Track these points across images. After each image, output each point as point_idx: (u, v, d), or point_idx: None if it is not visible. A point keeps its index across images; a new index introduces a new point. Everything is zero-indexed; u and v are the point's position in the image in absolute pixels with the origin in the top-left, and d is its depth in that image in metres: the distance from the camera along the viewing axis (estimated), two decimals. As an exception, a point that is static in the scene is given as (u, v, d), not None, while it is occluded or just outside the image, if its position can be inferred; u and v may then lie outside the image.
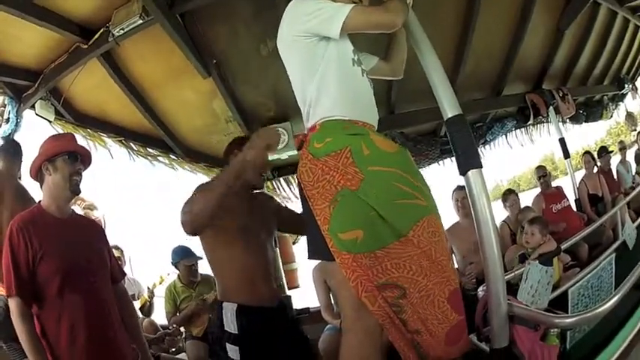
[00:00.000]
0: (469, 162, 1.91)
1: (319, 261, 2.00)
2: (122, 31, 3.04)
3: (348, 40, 1.86)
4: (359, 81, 1.85)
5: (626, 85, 8.50)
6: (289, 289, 4.48)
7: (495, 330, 1.85)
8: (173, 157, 4.71)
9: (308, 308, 4.28)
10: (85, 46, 3.23)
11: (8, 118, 3.73)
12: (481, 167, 1.93)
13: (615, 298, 2.01)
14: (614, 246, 3.85)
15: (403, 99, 4.54)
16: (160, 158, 4.65)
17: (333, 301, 3.27)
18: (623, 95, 9.00)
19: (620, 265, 3.25)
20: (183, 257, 4.11)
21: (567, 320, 2.02)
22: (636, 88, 9.25)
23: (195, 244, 4.07)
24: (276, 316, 2.19)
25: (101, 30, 3.15)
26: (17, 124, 3.75)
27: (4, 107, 3.77)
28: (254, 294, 2.12)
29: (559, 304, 2.68)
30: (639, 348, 2.57)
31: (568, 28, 5.21)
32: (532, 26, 4.71)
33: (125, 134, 4.39)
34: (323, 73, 1.77)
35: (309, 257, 1.84)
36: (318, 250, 1.73)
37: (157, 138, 4.51)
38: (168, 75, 3.77)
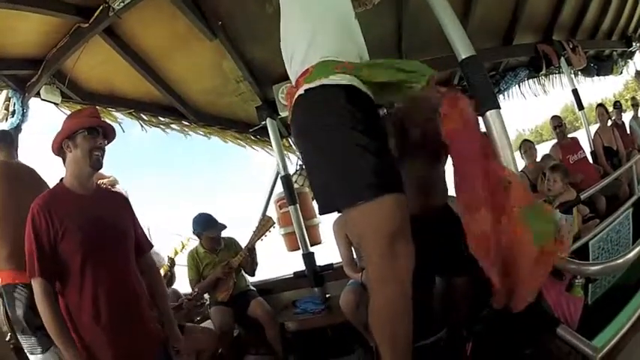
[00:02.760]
0: (487, 103, 1.89)
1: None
2: (122, 4, 2.99)
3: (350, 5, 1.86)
4: (358, 40, 1.85)
5: (633, 44, 8.37)
6: (312, 245, 4.44)
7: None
8: (185, 123, 4.71)
9: (332, 264, 4.30)
10: (86, 25, 3.17)
11: (14, 110, 3.74)
12: (499, 108, 1.91)
13: (635, 251, 1.96)
14: (632, 200, 3.80)
15: (414, 48, 4.45)
16: (172, 126, 4.66)
17: (355, 256, 3.26)
18: (632, 53, 8.82)
19: (636, 220, 3.22)
20: (206, 228, 4.04)
21: (593, 268, 2.02)
22: None
23: (215, 211, 4.13)
24: None
25: (100, 6, 3.09)
26: (24, 115, 3.77)
27: (9, 100, 3.78)
28: None
29: (579, 256, 2.65)
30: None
31: None
32: None
33: (135, 106, 4.39)
34: (327, 20, 1.77)
35: (321, 212, 1.77)
36: (331, 201, 1.70)
37: (168, 106, 4.50)
38: (174, 41, 3.71)
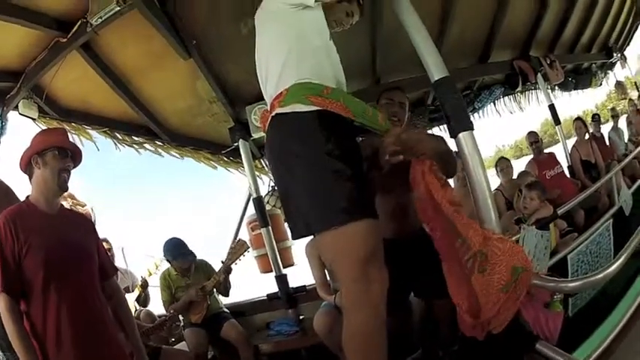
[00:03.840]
0: (460, 124, 1.89)
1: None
2: (100, 20, 2.96)
3: (324, 16, 1.86)
4: (333, 60, 1.86)
5: (614, 54, 8.49)
6: (284, 267, 4.41)
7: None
8: (159, 143, 4.63)
9: (305, 286, 4.27)
10: (65, 40, 3.13)
11: (-8, 124, 3.66)
12: (472, 129, 1.91)
13: (618, 263, 1.98)
14: (611, 212, 3.85)
15: (388, 69, 4.47)
16: (145, 145, 4.57)
17: (328, 278, 3.24)
18: (612, 64, 8.97)
19: (617, 232, 3.25)
20: (175, 257, 4.02)
21: (571, 285, 2.00)
22: (625, 58, 9.23)
23: (187, 236, 4.14)
24: None
25: (79, 21, 3.05)
26: (2, 128, 3.67)
27: (-14, 114, 3.71)
28: None
29: (558, 270, 2.66)
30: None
31: None
32: None
33: (109, 124, 4.31)
34: (302, 42, 1.77)
35: (294, 237, 1.80)
36: (304, 225, 1.71)
37: (142, 125, 4.42)
38: (149, 60, 3.67)
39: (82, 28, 3.05)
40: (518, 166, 5.59)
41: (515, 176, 4.90)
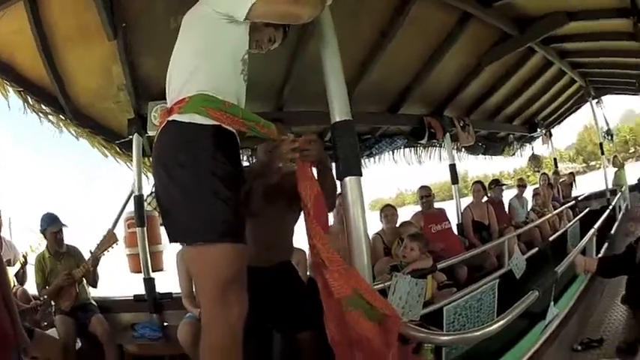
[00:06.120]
0: (349, 168, 1.92)
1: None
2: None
3: (247, 40, 1.88)
4: (240, 78, 1.88)
5: (538, 130, 9.04)
6: (154, 271, 4.32)
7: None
8: (62, 117, 4.39)
9: (171, 293, 4.20)
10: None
11: None
12: (360, 175, 1.94)
13: (500, 323, 2.05)
14: (499, 273, 4.10)
15: (294, 99, 4.55)
16: (50, 117, 4.33)
17: (194, 289, 3.21)
18: (533, 138, 9.57)
19: (505, 293, 3.41)
20: (49, 224, 3.95)
21: (443, 338, 2.06)
22: (550, 135, 9.88)
23: (63, 212, 3.97)
24: None
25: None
26: None
27: None
28: None
29: (435, 320, 2.74)
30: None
31: (489, 65, 5.44)
32: (452, 53, 4.86)
33: (26, 86, 4.09)
34: (217, 54, 1.79)
35: (170, 240, 1.80)
36: (178, 233, 1.74)
37: (53, 96, 4.21)
38: (79, 33, 3.56)
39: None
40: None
41: (398, 224, 4.94)
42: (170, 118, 1.72)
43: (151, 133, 4.19)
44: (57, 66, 3.88)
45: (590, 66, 7.28)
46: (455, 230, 5.78)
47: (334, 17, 2.06)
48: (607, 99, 9.45)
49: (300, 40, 3.66)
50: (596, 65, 7.16)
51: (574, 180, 10.27)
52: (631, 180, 9.29)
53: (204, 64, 1.76)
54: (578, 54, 6.62)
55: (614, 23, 4.74)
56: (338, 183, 2.02)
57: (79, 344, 3.84)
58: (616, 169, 9.86)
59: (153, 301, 4.14)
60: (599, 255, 4.49)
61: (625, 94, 9.20)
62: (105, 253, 3.89)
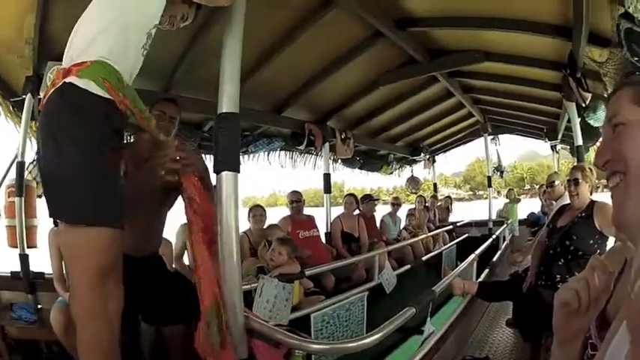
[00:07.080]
0: (227, 163, 1.87)
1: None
2: None
3: (160, 14, 1.83)
4: (140, 52, 1.83)
5: (422, 154, 9.42)
6: (28, 247, 3.84)
7: (234, 341, 1.80)
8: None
9: (43, 273, 3.79)
10: None
11: None
12: (238, 172, 1.89)
13: (377, 336, 2.05)
14: (369, 285, 4.26)
15: (183, 83, 4.36)
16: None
17: (65, 272, 2.98)
18: (415, 161, 9.96)
19: (374, 305, 3.49)
20: None
21: (316, 346, 2.03)
22: (433, 161, 10.48)
23: None
24: None
25: None
26: None
27: None
28: None
29: (303, 326, 2.73)
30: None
31: (385, 85, 5.56)
32: (352, 66, 4.89)
33: None
34: (130, 21, 1.73)
35: (51, 215, 1.70)
36: (59, 208, 1.65)
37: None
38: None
39: None
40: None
41: (266, 226, 4.94)
42: (67, 80, 1.63)
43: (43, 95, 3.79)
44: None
45: (494, 105, 7.53)
46: (323, 239, 5.83)
47: (248, 4, 2.00)
48: (509, 136, 9.96)
49: (205, 24, 3.49)
50: (502, 106, 7.42)
51: (450, 204, 10.89)
52: (522, 214, 9.78)
53: (114, 28, 1.69)
54: (484, 92, 6.88)
55: (541, 72, 4.95)
56: (213, 176, 1.95)
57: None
58: (507, 200, 10.51)
59: (27, 280, 3.76)
60: (479, 279, 4.71)
61: (529, 137, 9.68)
62: None
